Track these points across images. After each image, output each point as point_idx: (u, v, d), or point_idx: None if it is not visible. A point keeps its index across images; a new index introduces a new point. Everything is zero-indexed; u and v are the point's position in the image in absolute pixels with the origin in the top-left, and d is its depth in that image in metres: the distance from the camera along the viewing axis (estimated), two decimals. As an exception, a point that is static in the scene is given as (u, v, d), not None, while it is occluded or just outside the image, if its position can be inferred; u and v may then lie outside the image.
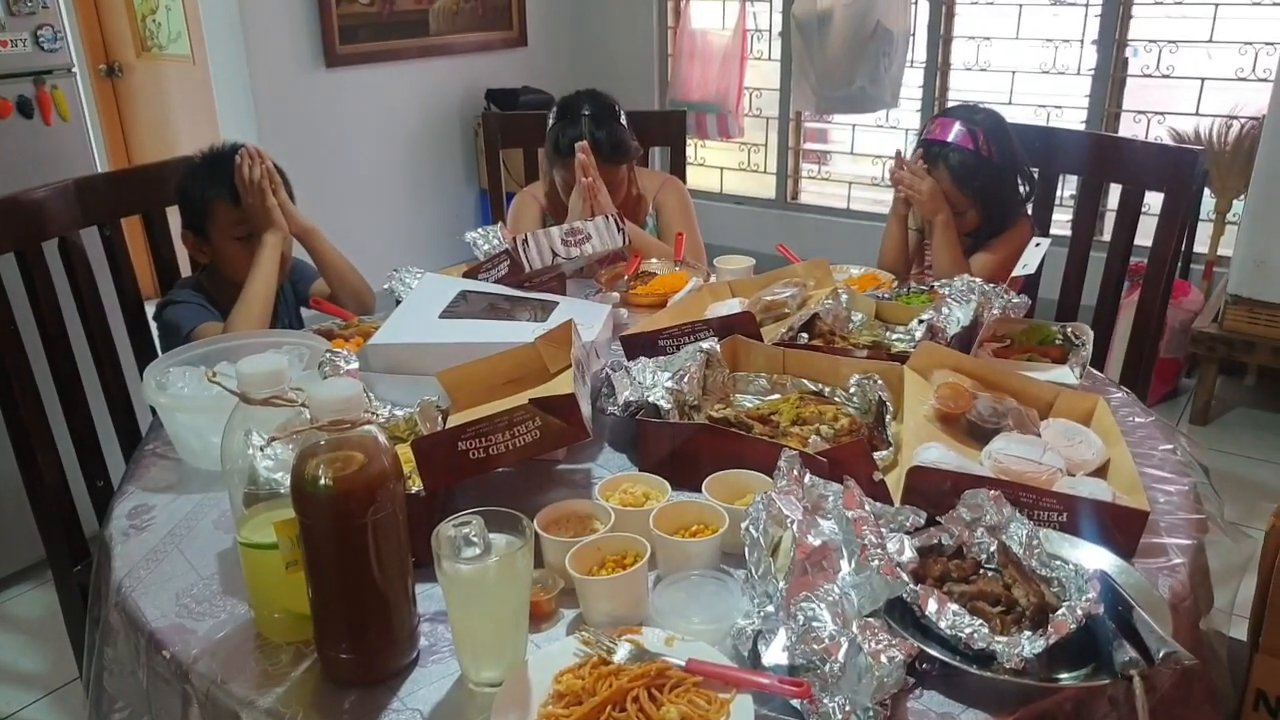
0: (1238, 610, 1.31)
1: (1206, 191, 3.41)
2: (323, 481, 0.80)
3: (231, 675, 0.87)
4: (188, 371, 1.25)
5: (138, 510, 1.14)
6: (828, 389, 1.35)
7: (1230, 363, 3.25)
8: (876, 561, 0.89)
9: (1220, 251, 3.49)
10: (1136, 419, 1.36)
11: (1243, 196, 3.28)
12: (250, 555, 0.90)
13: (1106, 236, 1.95)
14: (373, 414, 0.88)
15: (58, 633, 1.68)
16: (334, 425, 0.79)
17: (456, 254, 4.44)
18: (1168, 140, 3.65)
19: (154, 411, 1.34)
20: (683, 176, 2.37)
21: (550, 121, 2.08)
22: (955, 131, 1.91)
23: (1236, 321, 3.12)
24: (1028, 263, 1.37)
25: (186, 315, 1.63)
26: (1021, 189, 1.96)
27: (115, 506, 1.16)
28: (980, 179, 1.89)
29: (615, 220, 1.62)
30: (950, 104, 4.21)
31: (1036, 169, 1.99)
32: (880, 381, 1.27)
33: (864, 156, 4.52)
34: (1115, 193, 2.01)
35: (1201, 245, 3.54)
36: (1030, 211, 2.00)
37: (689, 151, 3.39)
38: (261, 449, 0.85)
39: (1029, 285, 1.89)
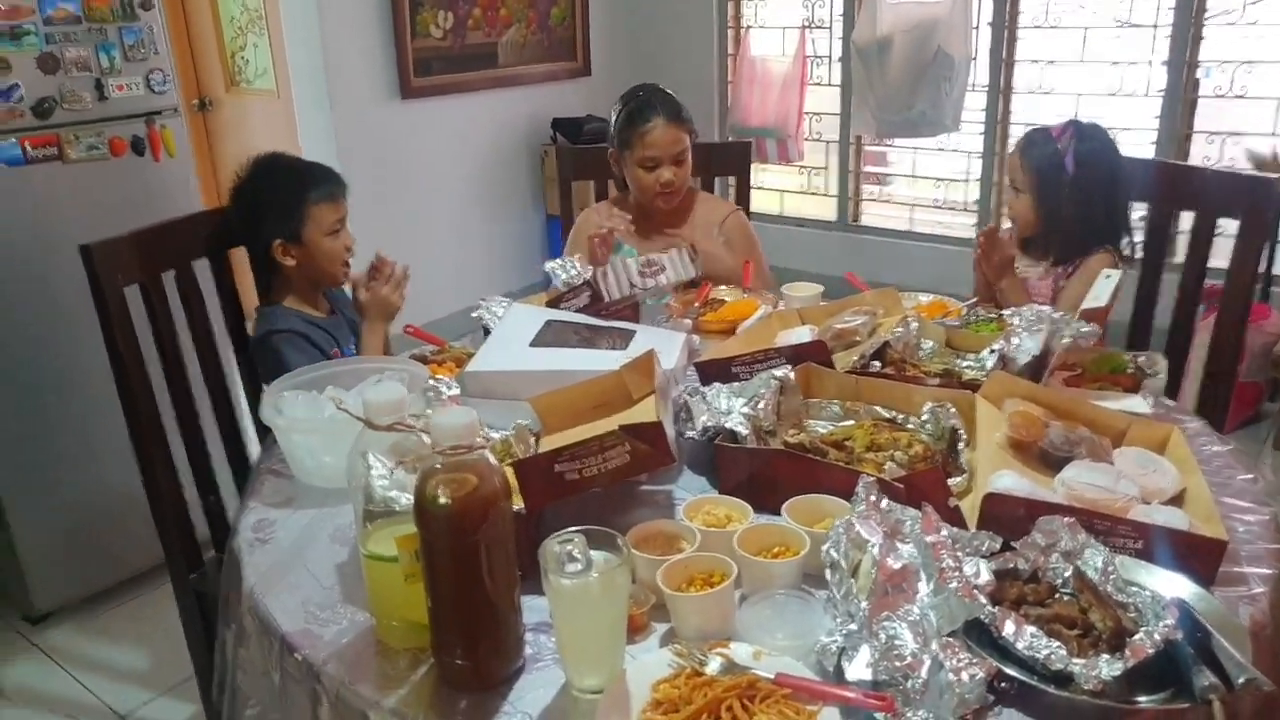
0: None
1: (1285, 212, 3.36)
2: (442, 500, 0.87)
3: (357, 678, 0.94)
4: (300, 396, 1.34)
5: (260, 524, 1.24)
6: (900, 416, 1.39)
7: (1314, 386, 3.20)
8: (954, 584, 0.94)
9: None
10: (1214, 448, 1.37)
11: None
12: (373, 567, 0.97)
13: (1178, 258, 1.96)
14: (485, 439, 0.95)
15: (167, 634, 1.79)
16: (453, 450, 0.87)
17: (525, 277, 4.57)
18: (1243, 161, 3.60)
19: (259, 433, 1.44)
20: (747, 206, 2.44)
21: (614, 118, 2.19)
22: (1058, 123, 1.98)
23: (1318, 346, 3.07)
24: (1099, 294, 1.40)
25: (295, 359, 1.70)
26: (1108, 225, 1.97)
27: (241, 520, 1.26)
28: (1043, 164, 1.94)
29: (689, 251, 1.68)
30: (1013, 125, 4.22)
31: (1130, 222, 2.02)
32: (953, 410, 1.31)
33: (925, 179, 4.54)
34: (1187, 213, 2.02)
35: (1281, 268, 3.48)
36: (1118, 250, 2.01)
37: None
38: (391, 472, 0.93)
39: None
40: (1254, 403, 3.32)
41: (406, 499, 0.95)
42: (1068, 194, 1.92)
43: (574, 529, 0.91)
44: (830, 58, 4.48)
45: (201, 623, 1.66)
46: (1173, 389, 1.74)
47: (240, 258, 1.90)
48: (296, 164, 1.91)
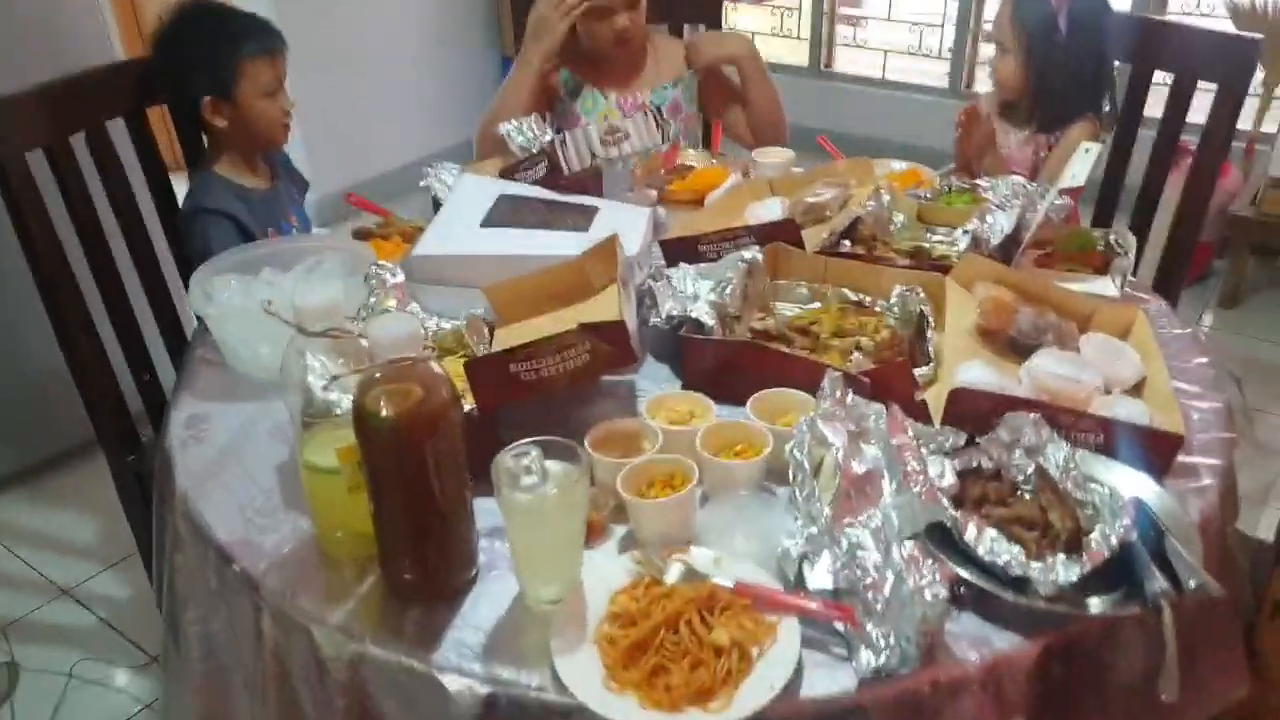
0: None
1: (1256, 65, 3.27)
2: (384, 413, 0.82)
3: (300, 590, 0.91)
4: (234, 280, 1.26)
5: (194, 419, 1.18)
6: (868, 299, 1.35)
7: (1264, 246, 3.21)
8: (918, 487, 0.92)
9: (1264, 128, 3.38)
10: (1174, 330, 1.36)
11: (1293, 73, 3.15)
12: (312, 478, 0.93)
13: (1151, 111, 1.89)
14: (430, 347, 0.89)
15: (110, 507, 1.75)
16: (395, 362, 0.81)
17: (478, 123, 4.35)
18: (1222, 9, 3.47)
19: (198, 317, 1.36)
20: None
21: None
22: None
23: (1276, 205, 3.05)
24: (1076, 173, 1.34)
25: (219, 241, 1.59)
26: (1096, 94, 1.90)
27: (172, 415, 1.19)
28: (1035, 24, 1.84)
29: (654, 116, 1.58)
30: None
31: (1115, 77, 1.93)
32: (922, 294, 1.27)
33: (901, 23, 4.33)
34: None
35: (1244, 120, 3.41)
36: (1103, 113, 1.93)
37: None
38: (324, 388, 0.87)
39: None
40: (1204, 261, 3.33)
41: (349, 402, 0.90)
42: (1058, 57, 1.83)
43: (529, 440, 0.86)
44: (805, -115, 4.17)
45: (143, 503, 1.59)
46: (1137, 253, 1.72)
47: (163, 115, 1.75)
48: (229, 11, 1.73)
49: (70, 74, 1.60)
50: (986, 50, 4.13)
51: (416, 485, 0.85)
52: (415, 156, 4.10)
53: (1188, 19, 3.69)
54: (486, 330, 1.18)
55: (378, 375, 0.83)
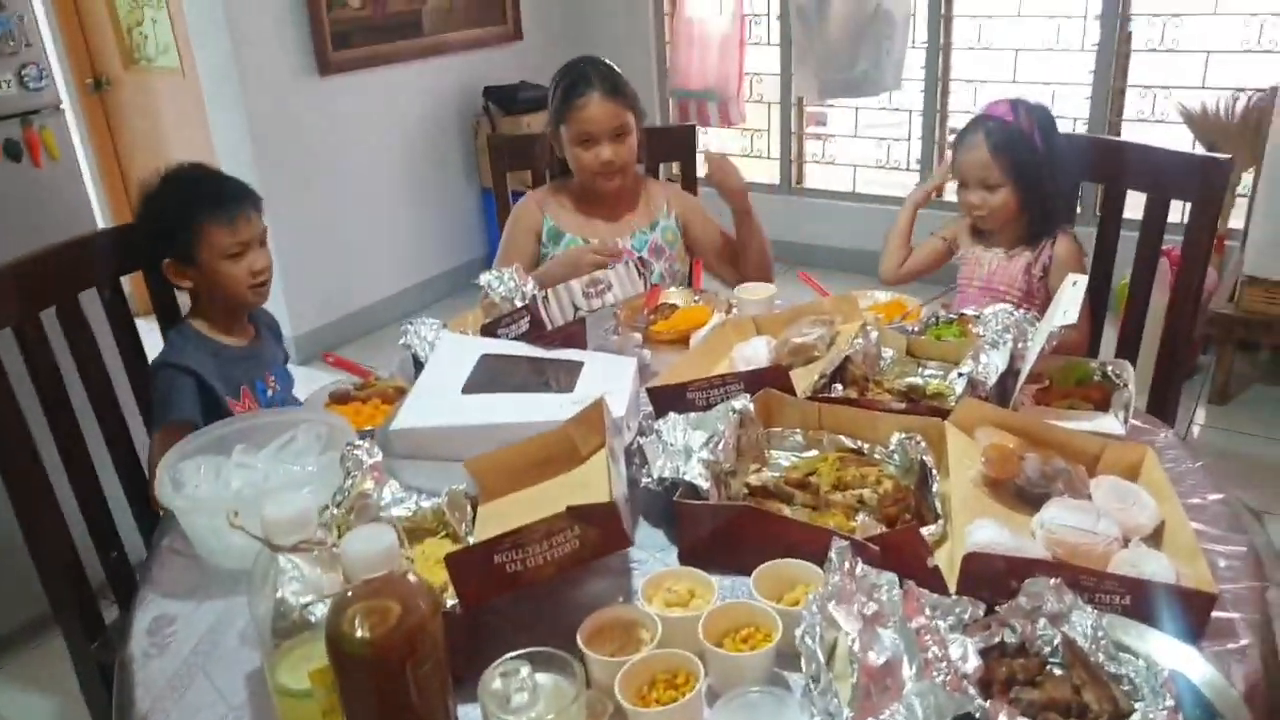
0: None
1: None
2: (360, 635, 0.75)
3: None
4: (202, 466, 1.20)
5: (158, 623, 1.09)
6: (867, 446, 1.31)
7: (1247, 342, 3.24)
8: (941, 677, 0.86)
9: (1231, 224, 3.45)
10: (1185, 465, 1.32)
11: (1251, 170, 3.23)
12: (284, 702, 0.85)
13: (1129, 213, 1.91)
14: (408, 559, 0.83)
15: (69, 688, 1.63)
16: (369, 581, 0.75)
17: (460, 254, 4.37)
18: (1174, 115, 3.58)
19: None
20: (694, 190, 2.31)
21: (551, 92, 2.04)
22: (1000, 108, 1.91)
23: (1254, 302, 3.09)
24: (1068, 309, 1.31)
25: (178, 397, 1.56)
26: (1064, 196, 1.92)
27: (135, 619, 1.11)
28: (1016, 150, 1.86)
29: (636, 265, 1.56)
30: (953, 82, 4.14)
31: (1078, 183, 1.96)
32: (923, 444, 1.23)
33: (868, 139, 4.44)
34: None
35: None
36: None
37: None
38: (306, 607, 0.80)
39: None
40: (1191, 358, 3.34)
41: (323, 609, 0.83)
42: (1045, 173, 1.85)
43: (515, 655, 0.79)
44: (769, 15, 4.33)
45: (106, 696, 1.48)
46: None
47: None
48: (201, 177, 1.70)
49: (39, 250, 1.56)
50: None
51: (397, 709, 0.78)
52: (396, 289, 4.11)
53: (1144, 124, 3.81)
54: (469, 506, 1.12)
55: (350, 594, 0.76)
